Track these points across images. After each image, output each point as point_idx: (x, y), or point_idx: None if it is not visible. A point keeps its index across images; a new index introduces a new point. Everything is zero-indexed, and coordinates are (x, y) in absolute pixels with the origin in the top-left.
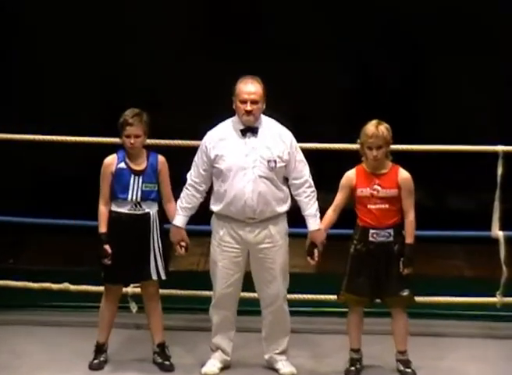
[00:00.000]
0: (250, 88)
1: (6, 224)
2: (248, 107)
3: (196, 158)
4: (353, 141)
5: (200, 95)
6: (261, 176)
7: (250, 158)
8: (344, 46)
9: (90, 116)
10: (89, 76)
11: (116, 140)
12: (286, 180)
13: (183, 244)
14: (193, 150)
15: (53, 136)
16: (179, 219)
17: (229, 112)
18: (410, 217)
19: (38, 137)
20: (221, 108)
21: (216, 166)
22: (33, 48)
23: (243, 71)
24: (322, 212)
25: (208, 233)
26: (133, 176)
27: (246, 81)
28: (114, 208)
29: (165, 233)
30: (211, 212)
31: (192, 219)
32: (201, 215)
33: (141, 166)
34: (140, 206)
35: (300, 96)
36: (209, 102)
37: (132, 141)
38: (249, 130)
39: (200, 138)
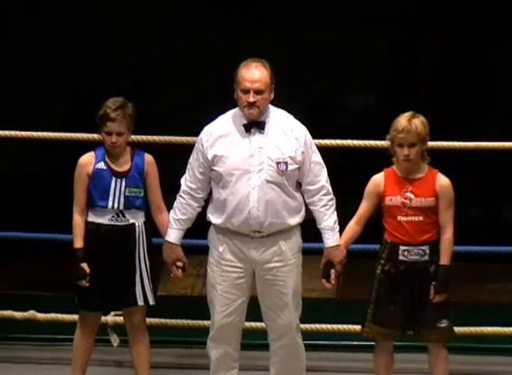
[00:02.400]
0: (253, 75)
1: None
2: (251, 98)
3: (191, 160)
4: (383, 138)
5: (198, 80)
6: (268, 182)
7: (255, 159)
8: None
9: (60, 106)
10: (56, 54)
11: (93, 136)
12: (299, 186)
13: (179, 264)
14: (189, 148)
15: (14, 131)
16: (173, 234)
17: (234, 102)
18: (448, 233)
19: None
20: (224, 96)
21: (215, 168)
22: None
23: (251, 52)
24: (343, 224)
25: (205, 250)
26: (114, 178)
27: (249, 66)
28: (91, 218)
29: (153, 249)
30: (209, 224)
31: (186, 232)
32: (197, 227)
33: (124, 166)
34: (124, 216)
35: (317, 81)
36: (210, 89)
37: (113, 140)
38: (254, 125)
39: (198, 134)
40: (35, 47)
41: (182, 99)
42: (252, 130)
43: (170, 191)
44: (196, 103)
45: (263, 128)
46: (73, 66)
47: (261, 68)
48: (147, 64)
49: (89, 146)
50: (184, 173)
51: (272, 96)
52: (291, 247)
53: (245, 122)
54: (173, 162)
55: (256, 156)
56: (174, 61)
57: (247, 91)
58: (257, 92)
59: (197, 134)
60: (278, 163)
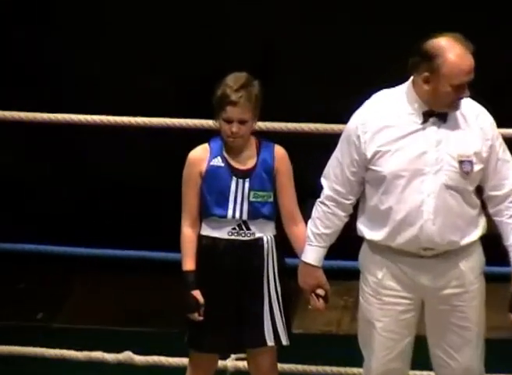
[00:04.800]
0: (468, 65)
1: (28, 255)
2: (465, 93)
3: (338, 155)
4: None
5: (339, 57)
6: (448, 187)
7: (431, 156)
8: None
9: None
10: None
11: (207, 123)
12: (478, 190)
13: (320, 292)
14: (331, 140)
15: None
16: (313, 253)
17: (388, 83)
18: None
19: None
20: (374, 76)
21: (375, 168)
22: None
23: None
24: None
25: (355, 274)
26: (235, 179)
27: (459, 50)
28: (205, 231)
29: (286, 272)
30: (358, 240)
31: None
32: (341, 243)
33: (248, 163)
34: (247, 228)
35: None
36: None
37: (234, 129)
38: (434, 114)
39: (342, 121)
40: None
41: (318, 80)
42: (430, 120)
43: (307, 196)
44: (333, 85)
45: (445, 118)
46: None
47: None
48: (275, 36)
49: (201, 137)
50: (321, 173)
51: None
52: (472, 267)
53: (424, 109)
54: (311, 157)
55: (432, 153)
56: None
57: (461, 86)
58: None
59: (341, 122)
60: (461, 162)
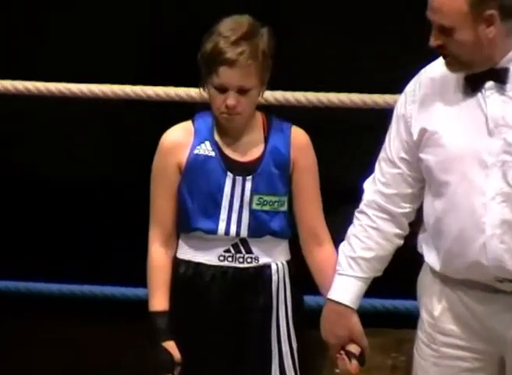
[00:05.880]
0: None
1: None
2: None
3: (386, 140)
4: None
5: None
6: None
7: (494, 142)
8: None
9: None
10: None
11: (188, 92)
12: None
13: (352, 348)
14: (381, 120)
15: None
16: (345, 288)
17: None
18: None
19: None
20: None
21: (423, 157)
22: None
23: None
24: None
25: (409, 318)
26: (231, 176)
27: None
28: (184, 253)
29: (304, 317)
30: (418, 264)
31: None
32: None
33: (251, 152)
34: (248, 250)
35: None
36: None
37: (230, 101)
38: (487, 77)
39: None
40: None
41: (356, 30)
42: (486, 87)
43: (339, 204)
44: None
45: (504, 81)
46: None
47: None
48: None
49: (179, 114)
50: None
51: None
52: None
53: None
54: (347, 146)
55: (496, 136)
56: None
57: None
58: None
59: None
60: None
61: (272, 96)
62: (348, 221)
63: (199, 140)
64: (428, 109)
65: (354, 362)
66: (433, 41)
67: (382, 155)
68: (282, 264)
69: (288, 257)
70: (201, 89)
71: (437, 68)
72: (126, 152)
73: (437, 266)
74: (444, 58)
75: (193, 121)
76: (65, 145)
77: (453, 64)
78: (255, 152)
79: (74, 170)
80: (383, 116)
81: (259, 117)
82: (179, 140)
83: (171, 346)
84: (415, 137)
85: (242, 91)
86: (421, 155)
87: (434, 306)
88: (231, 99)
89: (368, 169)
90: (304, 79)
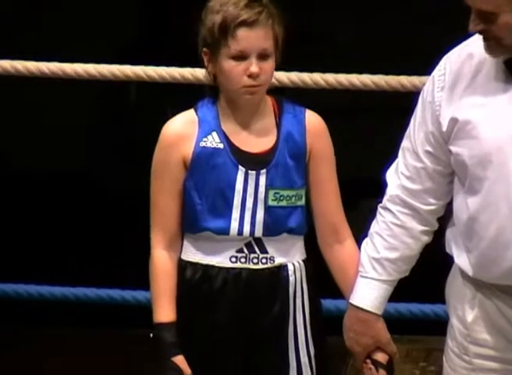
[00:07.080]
0: None
1: None
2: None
3: (410, 128)
4: None
5: None
6: None
7: None
8: None
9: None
10: None
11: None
12: None
13: (379, 357)
14: (408, 105)
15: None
16: (369, 291)
17: None
18: None
19: None
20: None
21: (453, 150)
22: None
23: None
24: None
25: (440, 324)
26: (243, 170)
27: None
28: (192, 255)
29: (322, 321)
30: (447, 265)
31: None
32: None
33: (264, 142)
34: (263, 250)
35: None
36: None
37: (254, 69)
38: None
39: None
40: None
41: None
42: None
43: (360, 198)
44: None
45: None
46: None
47: None
48: None
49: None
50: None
51: None
52: None
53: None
54: (368, 133)
55: None
56: None
57: None
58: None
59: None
60: None
61: (286, 77)
62: (370, 216)
63: (205, 131)
64: (460, 96)
65: (382, 371)
66: (473, 27)
67: (405, 143)
68: (299, 263)
69: (304, 255)
70: (207, 71)
71: (468, 50)
72: (126, 150)
73: (469, 270)
74: (485, 41)
75: (195, 110)
76: (65, 145)
77: (494, 48)
78: (268, 141)
79: (69, 164)
80: (409, 100)
81: (269, 101)
82: (183, 132)
83: (180, 361)
84: (444, 128)
85: (263, 56)
86: (452, 148)
87: (466, 313)
88: (254, 66)
89: (392, 158)
90: (318, 60)
